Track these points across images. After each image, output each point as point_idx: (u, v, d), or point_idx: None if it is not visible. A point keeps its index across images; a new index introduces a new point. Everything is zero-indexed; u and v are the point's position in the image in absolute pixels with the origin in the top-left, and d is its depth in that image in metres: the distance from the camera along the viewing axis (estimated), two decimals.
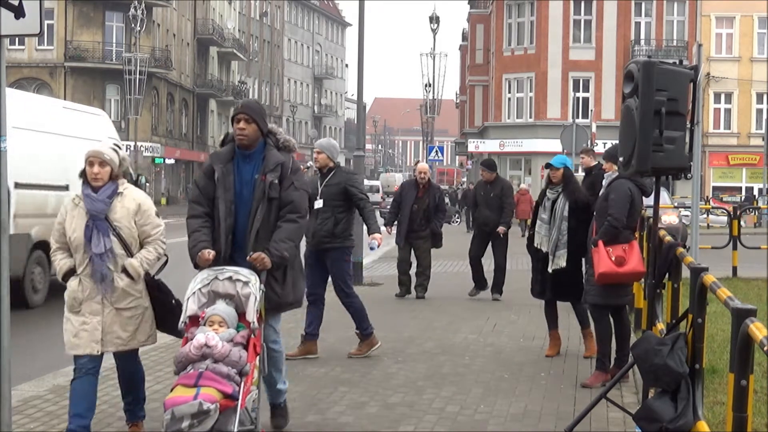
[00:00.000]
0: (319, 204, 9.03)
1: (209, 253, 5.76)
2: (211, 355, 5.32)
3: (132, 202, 5.98)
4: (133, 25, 48.59)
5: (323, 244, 9.06)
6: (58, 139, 13.50)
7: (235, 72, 73.87)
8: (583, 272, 8.75)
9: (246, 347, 5.49)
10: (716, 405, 6.98)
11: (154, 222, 6.05)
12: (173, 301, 6.08)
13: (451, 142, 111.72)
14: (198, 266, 5.83)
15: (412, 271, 14.09)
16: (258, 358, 5.60)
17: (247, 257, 5.77)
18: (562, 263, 8.86)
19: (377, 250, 20.56)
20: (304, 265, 8.96)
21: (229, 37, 69.17)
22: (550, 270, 8.96)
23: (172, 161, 58.98)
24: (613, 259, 7.68)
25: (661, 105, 6.28)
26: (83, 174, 6.02)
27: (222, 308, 5.61)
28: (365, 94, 23.61)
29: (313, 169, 9.43)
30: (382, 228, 14.42)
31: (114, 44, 52.65)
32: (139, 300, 5.96)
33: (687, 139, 6.62)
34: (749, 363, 4.02)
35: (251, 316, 5.61)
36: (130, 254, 5.94)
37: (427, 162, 46.29)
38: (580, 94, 45.25)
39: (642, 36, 50.11)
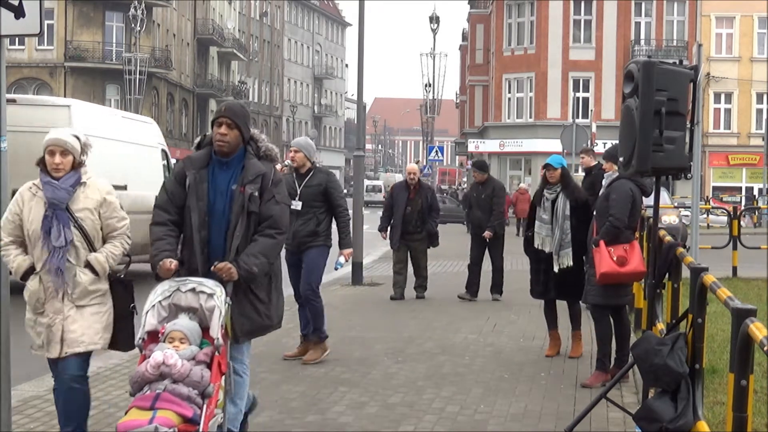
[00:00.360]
0: (297, 206, 8.69)
1: (171, 263, 5.29)
2: (169, 374, 4.88)
3: (96, 193, 5.54)
4: (133, 25, 48.60)
5: (305, 244, 8.80)
6: (119, 144, 15.15)
7: (235, 72, 73.87)
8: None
9: (210, 366, 5.04)
10: (716, 405, 6.98)
11: (119, 215, 5.62)
12: (131, 306, 5.63)
13: (451, 142, 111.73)
14: (159, 277, 5.34)
15: (409, 272, 13.98)
16: (224, 377, 5.16)
17: (212, 267, 5.31)
18: (568, 262, 8.87)
19: (372, 254, 20.47)
20: (287, 268, 8.84)
21: (229, 37, 69.17)
22: (556, 269, 8.95)
23: (173, 161, 58.86)
24: (614, 259, 7.69)
25: (661, 105, 6.28)
26: (41, 162, 5.52)
27: (183, 323, 5.16)
28: (365, 94, 23.63)
29: (290, 167, 9.05)
30: (376, 233, 14.46)
31: (114, 44, 52.63)
32: (102, 298, 5.54)
33: (687, 139, 6.62)
34: (749, 363, 4.02)
35: (216, 331, 5.13)
36: (93, 249, 5.51)
37: (427, 162, 46.33)
38: (580, 94, 45.25)
39: (642, 36, 50.12)
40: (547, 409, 7.20)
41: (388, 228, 13.96)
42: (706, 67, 44.16)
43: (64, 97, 50.88)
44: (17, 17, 5.73)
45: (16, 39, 40.72)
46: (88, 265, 5.49)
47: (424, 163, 51.48)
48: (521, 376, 8.39)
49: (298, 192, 8.78)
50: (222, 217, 5.43)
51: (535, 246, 9.11)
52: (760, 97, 49.69)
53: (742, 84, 49.64)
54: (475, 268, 13.87)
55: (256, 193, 5.42)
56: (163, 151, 17.54)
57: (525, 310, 12.40)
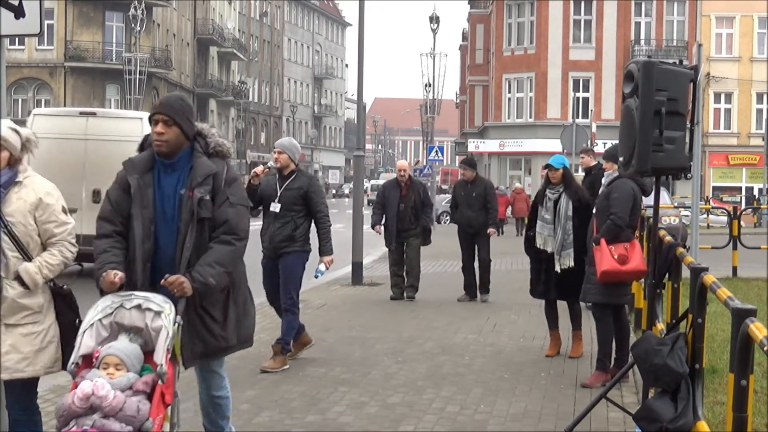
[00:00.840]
0: (275, 208, 8.46)
1: (115, 275, 4.66)
2: (99, 407, 4.23)
3: (32, 194, 4.85)
4: (133, 25, 48.59)
5: (281, 248, 8.46)
6: None
7: (235, 72, 73.87)
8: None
9: (150, 397, 4.36)
10: (716, 405, 6.98)
11: (59, 219, 4.90)
12: (76, 321, 4.90)
13: (451, 142, 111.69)
14: (103, 292, 4.73)
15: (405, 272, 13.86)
16: (169, 409, 4.45)
17: (162, 280, 4.72)
18: (570, 262, 8.87)
19: (372, 254, 20.52)
20: (262, 272, 8.63)
21: (229, 37, 69.17)
22: (558, 269, 8.95)
23: None
24: (615, 257, 7.69)
25: (661, 105, 6.28)
26: None
27: (121, 346, 4.49)
28: (365, 94, 23.64)
29: (273, 169, 8.72)
30: (370, 229, 14.42)
31: (114, 44, 52.63)
32: (37, 315, 4.84)
33: (687, 139, 6.62)
34: (749, 363, 4.02)
35: (160, 356, 4.46)
36: (28, 258, 4.83)
37: (427, 162, 46.30)
38: (580, 94, 45.26)
39: (642, 36, 50.12)
40: (547, 409, 7.20)
41: (381, 222, 13.75)
42: (706, 67, 44.16)
43: (64, 97, 51.21)
44: (17, 17, 5.73)
45: (16, 39, 40.74)
46: (18, 277, 4.79)
47: (424, 163, 51.43)
48: (521, 376, 8.38)
49: (278, 194, 8.50)
50: (171, 226, 4.84)
51: (537, 246, 9.11)
52: (760, 97, 49.69)
53: (742, 84, 49.64)
54: (469, 268, 13.75)
55: (208, 197, 4.82)
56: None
57: (525, 310, 12.40)
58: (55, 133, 14.72)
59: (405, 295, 13.66)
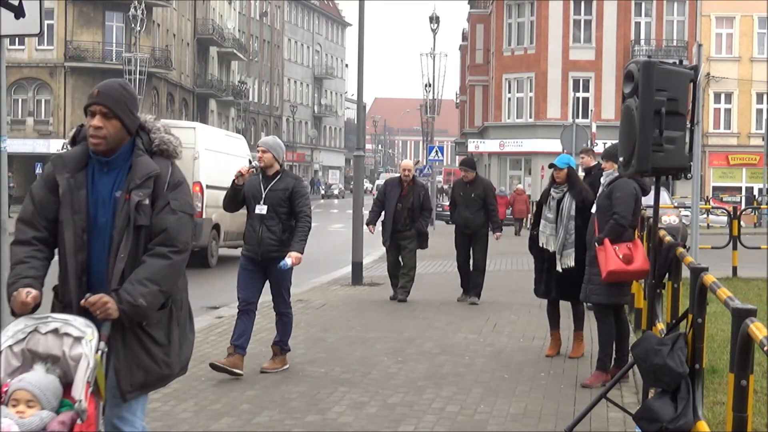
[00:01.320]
0: (262, 210, 8.20)
1: (28, 294, 3.94)
2: None
3: None
4: (133, 25, 48.59)
5: (269, 253, 8.18)
6: (225, 156, 19.87)
7: (235, 72, 73.88)
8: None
9: None
10: (716, 405, 6.98)
11: None
12: None
13: (451, 142, 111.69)
14: (15, 313, 4.02)
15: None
16: None
17: (82, 300, 4.02)
18: (570, 262, 8.86)
19: (372, 254, 20.53)
20: (240, 272, 8.35)
21: (229, 37, 69.18)
22: (559, 269, 8.95)
23: None
24: (620, 257, 7.69)
25: (661, 105, 6.28)
26: None
27: (34, 379, 3.81)
28: (365, 94, 23.67)
29: (257, 168, 8.49)
30: (365, 227, 14.37)
31: (114, 44, 52.65)
32: None
33: (687, 139, 6.62)
34: (749, 363, 4.03)
35: (79, 390, 3.80)
36: None
37: (427, 162, 46.25)
38: (580, 94, 45.25)
39: (642, 36, 50.13)
40: (547, 409, 7.20)
41: (377, 222, 13.66)
42: (706, 67, 44.17)
43: (64, 97, 51.20)
44: (17, 17, 5.74)
45: (16, 39, 40.74)
46: None
47: (424, 163, 51.43)
48: (521, 376, 8.39)
49: (263, 195, 8.23)
50: (105, 234, 4.15)
51: (540, 245, 9.11)
52: (760, 97, 49.69)
53: (742, 84, 49.65)
54: (465, 268, 13.51)
55: (147, 201, 4.14)
56: (249, 161, 20.38)
57: (525, 310, 12.40)
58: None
59: (396, 296, 13.47)
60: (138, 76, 48.36)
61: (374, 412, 7.04)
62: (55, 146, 51.64)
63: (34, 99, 52.45)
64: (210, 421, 6.69)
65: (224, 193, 8.61)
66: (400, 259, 13.55)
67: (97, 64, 51.87)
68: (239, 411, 6.96)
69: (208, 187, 18.68)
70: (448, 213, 14.42)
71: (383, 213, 13.55)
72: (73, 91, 51.64)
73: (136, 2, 48.35)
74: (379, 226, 13.85)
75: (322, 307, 12.60)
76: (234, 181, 8.26)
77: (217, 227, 19.48)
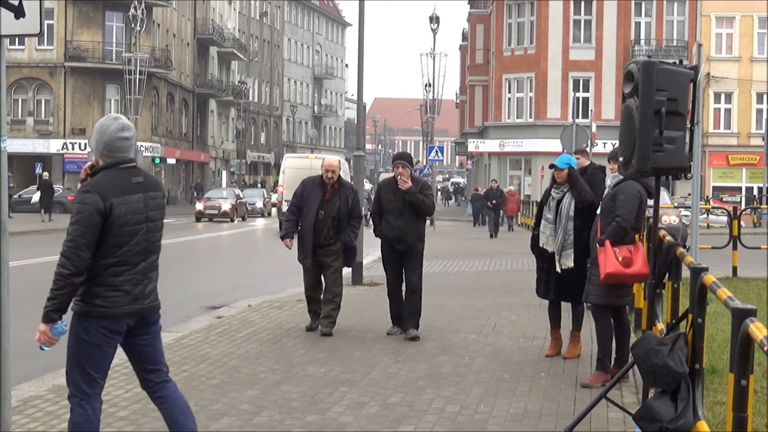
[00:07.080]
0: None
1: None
2: None
3: None
4: (133, 25, 48.61)
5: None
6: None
7: (235, 72, 73.89)
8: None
9: None
10: (716, 405, 6.98)
11: None
12: None
13: (451, 142, 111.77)
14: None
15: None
16: None
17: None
18: (569, 263, 8.85)
19: (372, 254, 20.50)
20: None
21: (229, 37, 69.19)
22: (558, 270, 8.94)
23: (172, 161, 59.01)
24: (620, 259, 7.68)
25: (661, 105, 6.28)
26: None
27: None
28: (365, 94, 23.65)
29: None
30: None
31: (114, 44, 52.66)
32: None
33: (687, 139, 6.62)
34: (749, 363, 4.03)
35: None
36: None
37: (427, 162, 46.18)
38: (580, 94, 45.27)
39: (642, 36, 50.15)
40: (547, 409, 7.20)
41: (294, 231, 10.62)
42: (706, 67, 44.16)
43: (64, 97, 51.25)
44: (17, 17, 5.73)
45: (16, 39, 40.69)
46: None
47: (424, 163, 51.39)
48: (521, 376, 8.38)
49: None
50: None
51: (540, 245, 9.11)
52: (760, 97, 49.71)
53: (742, 84, 49.66)
54: (399, 293, 10.55)
55: None
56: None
57: (525, 310, 12.40)
58: (296, 167, 29.52)
59: (320, 328, 10.43)
60: (138, 76, 48.39)
61: (374, 412, 7.04)
62: (54, 146, 51.76)
63: (34, 99, 52.46)
64: (210, 421, 6.69)
65: None
66: (322, 279, 10.63)
67: (97, 64, 51.92)
68: (239, 411, 6.96)
69: None
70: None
71: (300, 223, 10.57)
72: (73, 91, 51.66)
73: (136, 2, 48.37)
74: (296, 240, 10.69)
75: None
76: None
77: None
